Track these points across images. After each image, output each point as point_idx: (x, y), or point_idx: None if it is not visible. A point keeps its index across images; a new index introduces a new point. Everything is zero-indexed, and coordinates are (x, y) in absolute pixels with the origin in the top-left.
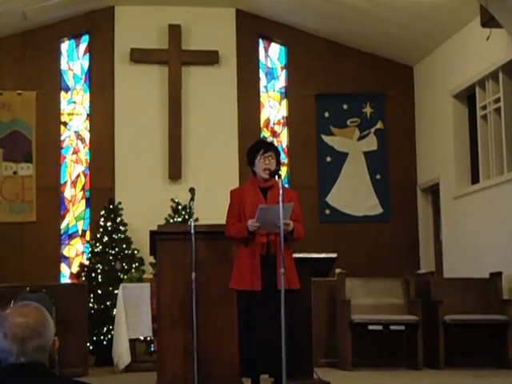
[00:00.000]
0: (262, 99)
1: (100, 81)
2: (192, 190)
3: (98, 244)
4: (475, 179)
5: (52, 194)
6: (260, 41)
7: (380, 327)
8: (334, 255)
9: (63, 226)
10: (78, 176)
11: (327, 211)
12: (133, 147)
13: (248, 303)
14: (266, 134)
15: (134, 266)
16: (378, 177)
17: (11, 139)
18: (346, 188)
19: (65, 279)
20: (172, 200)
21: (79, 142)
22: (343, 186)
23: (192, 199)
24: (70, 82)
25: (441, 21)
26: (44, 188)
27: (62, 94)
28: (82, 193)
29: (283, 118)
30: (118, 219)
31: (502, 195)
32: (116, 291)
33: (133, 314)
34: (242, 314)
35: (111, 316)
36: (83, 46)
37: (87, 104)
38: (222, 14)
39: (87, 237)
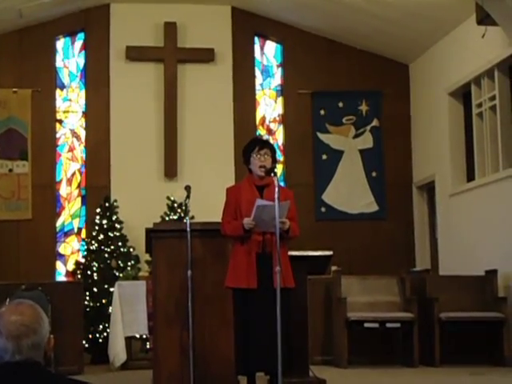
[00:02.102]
0: (257, 97)
1: (95, 78)
2: (188, 188)
3: (93, 242)
4: (471, 177)
5: (48, 192)
6: (256, 38)
7: (376, 325)
8: (329, 253)
9: (59, 223)
10: (74, 174)
11: (323, 209)
12: (128, 145)
13: (244, 301)
14: (261, 131)
15: (129, 263)
16: (373, 174)
17: (7, 137)
18: (341, 186)
19: (60, 277)
20: (168, 198)
21: (75, 139)
22: (339, 183)
23: (188, 197)
24: (66, 80)
25: (436, 19)
26: (40, 186)
27: (58, 91)
28: (77, 190)
29: (279, 115)
30: (114, 217)
31: (497, 193)
32: (112, 289)
33: (128, 312)
34: (237, 312)
35: (107, 314)
36: (79, 43)
37: (83, 102)
38: (217, 11)
39: (83, 235)
